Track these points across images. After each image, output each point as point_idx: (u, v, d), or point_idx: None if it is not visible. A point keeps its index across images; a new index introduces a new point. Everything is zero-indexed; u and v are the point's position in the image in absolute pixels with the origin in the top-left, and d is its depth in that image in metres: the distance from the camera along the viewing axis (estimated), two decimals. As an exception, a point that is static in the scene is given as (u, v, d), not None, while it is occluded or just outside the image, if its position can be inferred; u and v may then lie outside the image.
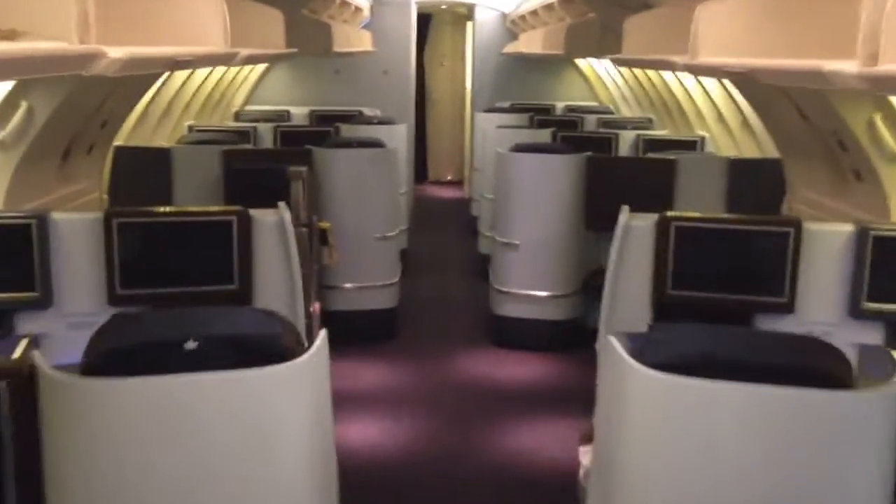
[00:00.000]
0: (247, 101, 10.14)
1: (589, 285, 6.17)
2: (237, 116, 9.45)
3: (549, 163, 6.14)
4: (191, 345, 2.18)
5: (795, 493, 2.24)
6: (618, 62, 4.35)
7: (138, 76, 5.02)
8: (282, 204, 3.81)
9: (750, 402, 2.21)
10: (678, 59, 2.80)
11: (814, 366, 2.25)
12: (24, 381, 2.21)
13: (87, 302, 3.61)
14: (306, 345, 2.44)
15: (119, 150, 5.88)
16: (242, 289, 3.70)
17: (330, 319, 5.94)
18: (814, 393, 2.17)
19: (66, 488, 2.24)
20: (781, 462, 2.21)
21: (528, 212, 6.15)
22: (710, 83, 6.82)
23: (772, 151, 6.01)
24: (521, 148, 6.41)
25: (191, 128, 7.72)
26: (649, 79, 8.54)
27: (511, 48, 10.45)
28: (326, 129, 7.92)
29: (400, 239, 6.94)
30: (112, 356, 2.22)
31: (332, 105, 9.98)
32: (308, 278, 5.83)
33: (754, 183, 5.83)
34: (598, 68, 10.91)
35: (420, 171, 13.30)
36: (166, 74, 6.39)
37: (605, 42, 5.71)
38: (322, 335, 2.45)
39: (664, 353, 2.27)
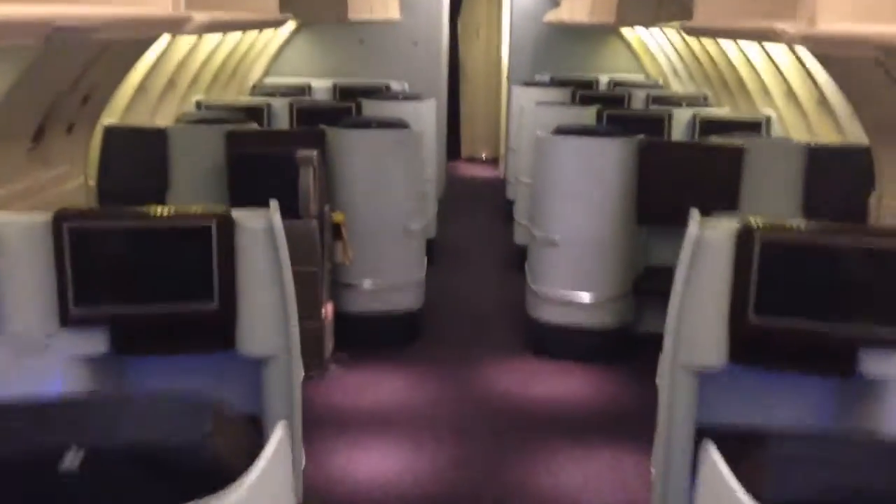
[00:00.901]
0: (266, 73, 9.44)
1: (640, 288, 5.43)
2: (254, 90, 8.76)
3: (595, 147, 5.36)
4: (71, 462, 1.51)
5: None
6: (691, 31, 3.56)
7: (124, 44, 4.36)
8: (273, 203, 3.09)
9: None
10: (789, 27, 2.04)
11: None
12: None
13: (36, 323, 2.96)
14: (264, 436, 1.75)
15: (109, 130, 5.22)
16: (224, 308, 3.02)
17: (345, 323, 5.37)
18: None
19: None
20: None
21: (571, 203, 5.37)
22: (779, 52, 5.96)
23: (855, 136, 5.17)
24: (563, 130, 5.64)
25: (199, 104, 7.04)
26: (706, 50, 7.68)
27: (552, 16, 9.61)
28: (347, 105, 7.19)
29: (426, 231, 6.27)
30: None
31: (357, 78, 9.25)
32: (318, 277, 5.22)
33: (836, 175, 5.01)
34: (646, 38, 10.04)
35: (453, 148, 12.53)
36: (165, 42, 5.71)
37: (666, 8, 4.91)
38: (279, 431, 1.85)
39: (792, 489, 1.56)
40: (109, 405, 1.78)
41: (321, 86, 8.96)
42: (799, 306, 2.96)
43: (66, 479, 1.52)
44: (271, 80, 9.27)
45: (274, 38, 9.00)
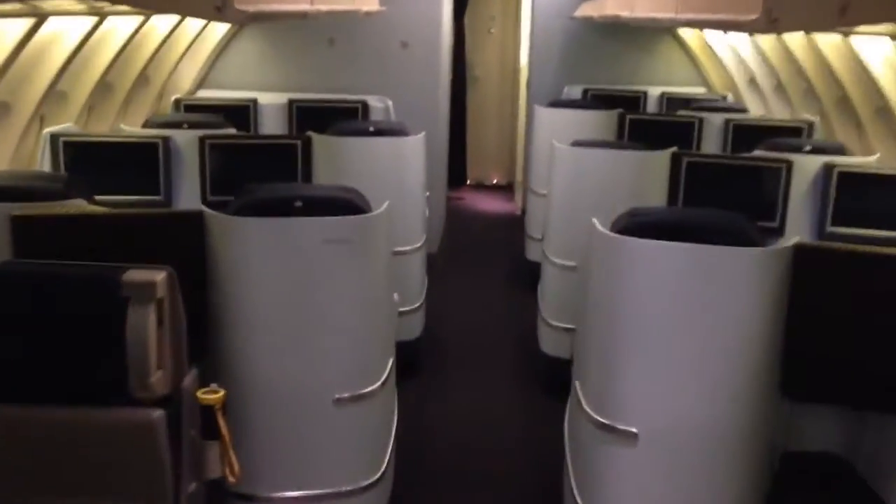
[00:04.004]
0: (201, 84, 6.96)
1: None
2: (177, 108, 6.29)
3: (697, 262, 2.83)
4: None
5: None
6: None
7: None
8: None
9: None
10: None
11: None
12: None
13: None
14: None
15: None
16: None
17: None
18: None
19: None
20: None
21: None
22: None
23: None
24: (634, 227, 3.10)
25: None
26: (821, 55, 5.15)
27: (590, 9, 7.12)
28: (286, 144, 4.73)
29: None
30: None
31: (324, 91, 6.77)
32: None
33: None
34: (712, 38, 7.52)
35: (456, 172, 10.05)
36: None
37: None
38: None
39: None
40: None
41: (272, 102, 6.47)
42: None
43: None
44: (205, 94, 6.80)
45: (208, 35, 6.52)
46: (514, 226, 8.41)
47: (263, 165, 4.71)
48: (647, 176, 4.50)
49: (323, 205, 3.08)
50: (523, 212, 7.95)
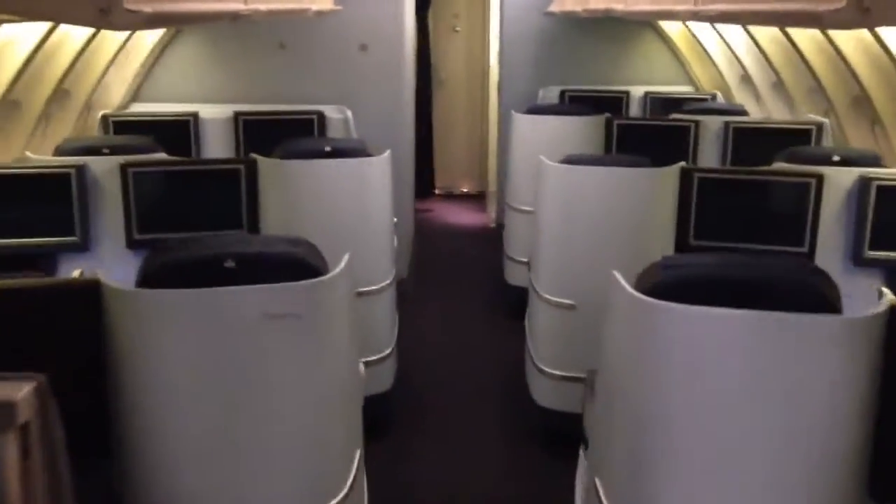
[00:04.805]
0: (134, 97, 6.17)
1: None
2: (104, 125, 5.50)
3: (768, 335, 2.15)
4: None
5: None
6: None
7: None
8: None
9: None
10: None
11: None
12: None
13: None
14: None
15: None
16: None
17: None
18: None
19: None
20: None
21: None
22: None
23: None
24: (673, 284, 2.41)
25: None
26: (827, 44, 4.52)
27: (567, 5, 6.45)
28: (230, 169, 3.99)
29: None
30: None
31: (274, 102, 6.02)
32: None
33: None
34: (698, 30, 6.90)
35: (423, 180, 9.34)
36: None
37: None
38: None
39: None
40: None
41: (216, 116, 5.70)
42: None
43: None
44: (140, 108, 6.01)
45: (138, 40, 5.74)
46: (489, 240, 7.73)
47: (200, 196, 3.98)
48: (652, 197, 3.84)
49: (263, 265, 2.36)
50: (499, 225, 7.28)
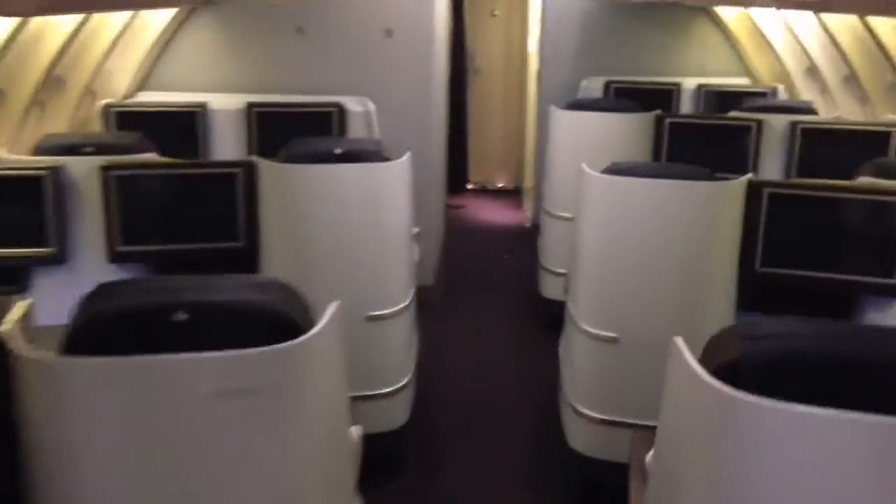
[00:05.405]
0: (142, 85, 5.71)
1: None
2: (105, 115, 5.06)
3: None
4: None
5: None
6: None
7: None
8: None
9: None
10: None
11: None
12: None
13: None
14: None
15: None
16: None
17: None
18: None
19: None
20: None
21: None
22: None
23: None
24: (746, 365, 1.87)
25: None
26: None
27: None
28: (225, 173, 3.50)
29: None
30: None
31: (291, 92, 5.52)
32: None
33: None
34: (760, 18, 6.26)
35: (456, 174, 8.79)
36: None
37: None
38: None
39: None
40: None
41: (227, 106, 5.22)
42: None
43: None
44: (147, 97, 5.55)
45: (146, 22, 5.28)
46: (524, 240, 7.17)
47: (192, 203, 3.50)
48: (712, 215, 3.26)
49: (224, 317, 1.84)
50: (535, 225, 6.73)
